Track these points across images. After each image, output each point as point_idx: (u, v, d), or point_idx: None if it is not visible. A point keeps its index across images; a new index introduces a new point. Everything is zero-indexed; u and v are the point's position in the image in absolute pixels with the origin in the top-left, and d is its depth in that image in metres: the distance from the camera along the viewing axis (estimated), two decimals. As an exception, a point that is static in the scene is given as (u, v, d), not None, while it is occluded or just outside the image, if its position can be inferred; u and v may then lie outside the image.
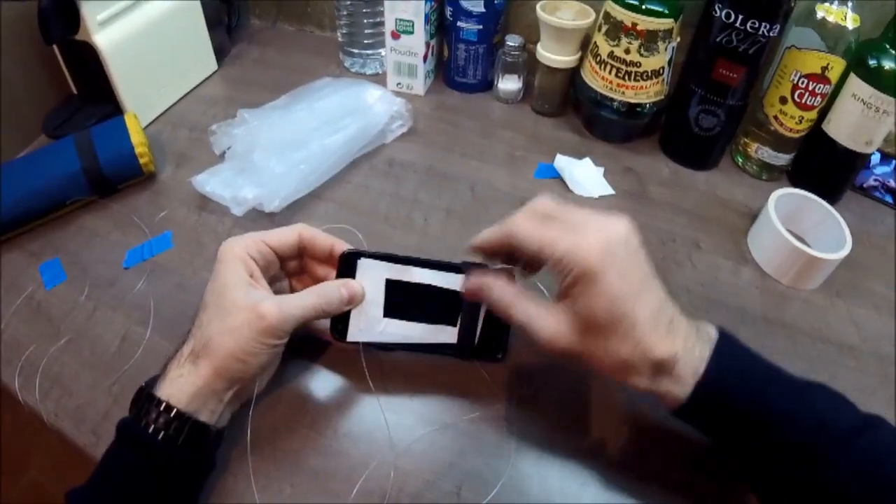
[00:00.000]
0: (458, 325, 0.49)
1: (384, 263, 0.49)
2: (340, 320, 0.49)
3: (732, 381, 0.39)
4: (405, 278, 0.49)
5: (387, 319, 0.49)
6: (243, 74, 0.92)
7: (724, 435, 0.41)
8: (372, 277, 0.49)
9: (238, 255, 0.45)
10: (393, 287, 0.49)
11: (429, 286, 0.49)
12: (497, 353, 0.50)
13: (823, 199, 0.65)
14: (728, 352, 0.40)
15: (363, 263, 0.49)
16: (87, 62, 0.72)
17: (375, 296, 0.49)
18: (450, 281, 0.48)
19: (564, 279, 0.39)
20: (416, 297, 0.49)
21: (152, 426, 0.40)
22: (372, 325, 0.49)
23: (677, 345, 0.39)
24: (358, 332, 0.49)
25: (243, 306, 0.43)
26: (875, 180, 0.76)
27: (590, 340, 0.39)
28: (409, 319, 0.49)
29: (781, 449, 0.38)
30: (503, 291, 0.43)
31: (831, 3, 0.64)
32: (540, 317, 0.41)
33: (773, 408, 0.38)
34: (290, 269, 0.52)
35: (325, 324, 0.49)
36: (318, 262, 0.51)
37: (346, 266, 0.49)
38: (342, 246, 0.49)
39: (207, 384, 0.42)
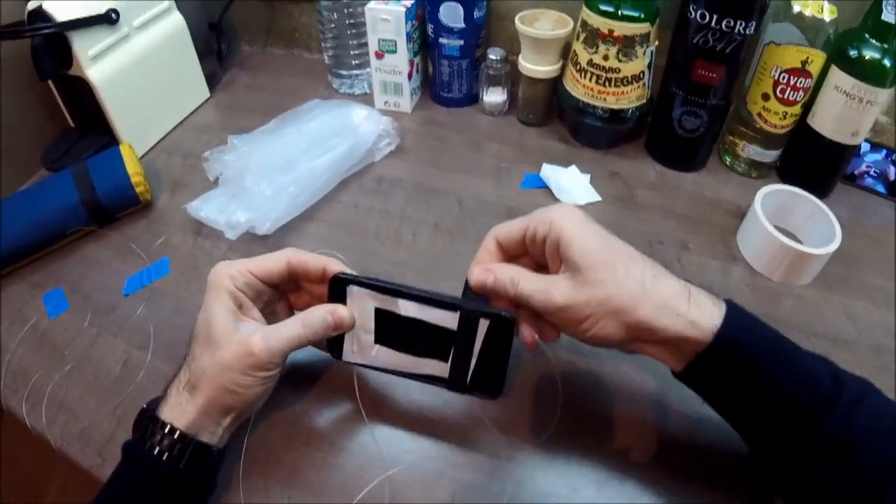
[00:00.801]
0: (449, 362, 0.48)
1: (373, 293, 0.47)
2: (336, 339, 0.49)
3: (748, 334, 0.39)
4: (394, 310, 0.48)
5: (378, 346, 0.49)
6: (235, 100, 0.94)
7: (737, 392, 0.40)
8: (361, 304, 0.48)
9: (225, 286, 0.45)
10: (382, 316, 0.48)
11: (418, 321, 0.47)
12: (492, 392, 0.48)
13: (814, 193, 0.66)
14: (738, 310, 0.40)
15: (353, 290, 0.48)
16: (82, 96, 0.75)
17: (366, 322, 0.48)
18: (441, 318, 0.46)
19: (549, 242, 0.43)
20: (405, 330, 0.48)
21: (157, 448, 0.41)
22: (364, 350, 0.49)
23: (680, 284, 0.40)
24: (352, 353, 0.49)
25: (232, 341, 0.43)
26: (867, 166, 0.75)
27: (594, 286, 0.40)
28: (399, 350, 0.49)
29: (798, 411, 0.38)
30: (510, 270, 0.44)
31: (807, -4, 0.64)
32: (550, 282, 0.42)
33: (796, 366, 0.39)
34: (287, 288, 0.52)
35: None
36: (314, 283, 0.51)
37: (337, 291, 0.48)
38: (334, 266, 0.48)
39: (204, 412, 0.43)
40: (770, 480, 0.44)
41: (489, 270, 0.44)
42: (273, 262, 0.48)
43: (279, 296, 0.52)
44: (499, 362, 0.47)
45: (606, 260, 0.41)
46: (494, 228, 0.47)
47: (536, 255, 0.46)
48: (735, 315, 0.39)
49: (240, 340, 0.43)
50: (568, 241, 0.41)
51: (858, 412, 0.37)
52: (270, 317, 0.49)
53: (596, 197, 0.73)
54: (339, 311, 0.47)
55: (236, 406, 0.44)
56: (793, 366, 0.39)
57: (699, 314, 0.39)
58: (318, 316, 0.46)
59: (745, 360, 0.39)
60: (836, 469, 0.37)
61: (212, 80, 0.94)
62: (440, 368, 0.48)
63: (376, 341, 0.49)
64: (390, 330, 0.48)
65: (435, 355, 0.48)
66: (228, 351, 0.43)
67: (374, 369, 0.50)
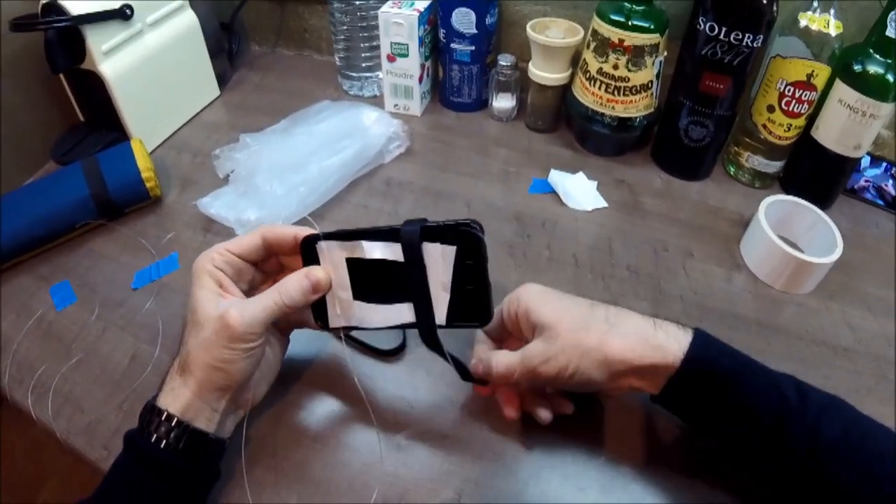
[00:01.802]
0: (430, 299, 0.45)
1: (340, 243, 0.46)
2: (319, 307, 0.48)
3: (716, 352, 0.42)
4: (360, 255, 0.46)
5: (357, 302, 0.47)
6: (244, 100, 0.95)
7: (709, 410, 0.43)
8: (333, 260, 0.46)
9: (205, 268, 0.46)
10: (354, 267, 0.46)
11: (387, 262, 0.45)
12: (480, 318, 0.45)
13: (816, 204, 0.66)
14: (705, 335, 0.43)
15: (323, 246, 0.46)
16: (93, 90, 0.75)
17: (341, 278, 0.47)
18: (398, 252, 0.44)
19: (520, 315, 0.47)
20: (377, 276, 0.46)
21: (155, 435, 0.42)
22: (346, 310, 0.48)
23: (644, 317, 0.44)
24: (336, 317, 0.48)
25: (211, 318, 0.43)
26: (866, 181, 0.77)
27: (564, 335, 0.44)
28: (378, 301, 0.47)
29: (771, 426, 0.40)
30: (485, 355, 0.48)
31: (814, 11, 0.65)
32: (525, 349, 0.45)
33: (762, 380, 0.41)
34: (270, 269, 0.52)
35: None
36: (292, 256, 0.50)
37: (308, 252, 0.47)
38: (304, 233, 0.48)
39: (196, 395, 0.43)
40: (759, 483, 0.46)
41: (479, 362, 0.48)
42: (248, 238, 0.48)
43: (264, 278, 0.52)
44: (481, 285, 0.43)
45: (569, 310, 0.45)
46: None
47: (515, 332, 0.49)
48: (702, 338, 0.43)
49: (217, 316, 0.43)
50: (534, 307, 0.46)
51: (826, 422, 0.39)
52: None
53: (603, 203, 0.74)
54: (314, 271, 0.47)
55: (227, 385, 0.44)
56: (758, 380, 0.42)
57: (666, 338, 0.42)
58: (294, 281, 0.46)
59: (712, 376, 0.41)
60: (810, 476, 0.39)
61: (222, 79, 0.95)
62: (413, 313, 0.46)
63: (355, 297, 0.47)
64: (365, 280, 0.46)
65: (407, 298, 0.45)
66: (208, 328, 0.43)
67: (361, 330, 0.49)
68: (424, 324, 0.45)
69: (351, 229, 0.46)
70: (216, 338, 0.43)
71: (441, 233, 0.43)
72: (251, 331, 0.44)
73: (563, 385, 0.45)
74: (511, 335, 0.51)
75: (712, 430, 0.45)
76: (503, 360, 0.46)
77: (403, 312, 0.46)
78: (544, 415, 0.47)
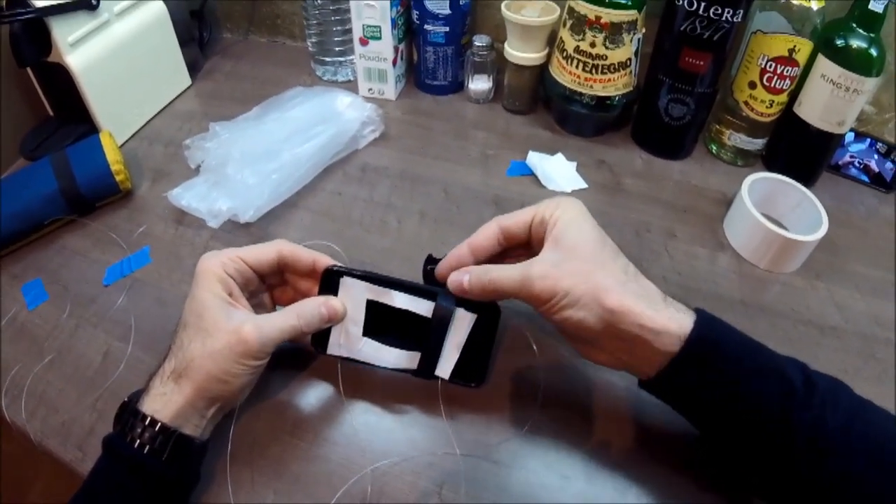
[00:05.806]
0: (441, 353, 0.49)
1: (366, 284, 0.48)
2: (321, 332, 0.49)
3: (721, 330, 0.41)
4: (386, 301, 0.48)
5: (366, 339, 0.49)
6: (217, 88, 0.93)
7: (708, 393, 0.40)
8: (353, 296, 0.49)
9: (216, 273, 0.45)
10: (374, 308, 0.49)
11: (408, 312, 0.48)
12: (477, 379, 0.50)
13: (799, 181, 0.66)
14: (709, 315, 0.42)
15: (345, 282, 0.48)
16: (61, 83, 0.73)
17: (356, 314, 0.49)
18: (429, 308, 0.48)
19: (545, 226, 0.44)
20: (395, 321, 0.48)
21: (138, 441, 0.40)
22: (352, 342, 0.49)
23: (657, 288, 0.42)
24: (338, 346, 0.50)
25: (224, 329, 0.43)
26: (850, 156, 0.76)
27: (580, 261, 0.42)
28: (387, 342, 0.49)
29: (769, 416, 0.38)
30: (480, 269, 0.45)
31: (795, -16, 0.63)
32: (528, 262, 0.43)
33: (768, 363, 0.40)
34: (271, 282, 0.52)
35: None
36: (301, 276, 0.51)
37: (329, 283, 0.49)
38: (324, 261, 0.49)
39: (190, 403, 0.42)
40: (747, 482, 0.44)
41: (465, 273, 0.46)
42: (264, 252, 0.49)
43: (264, 288, 0.52)
44: (485, 351, 0.49)
45: (595, 242, 0.43)
46: (498, 217, 0.48)
47: (535, 243, 0.46)
48: (706, 318, 0.41)
49: (232, 328, 0.43)
50: (566, 222, 0.43)
51: (832, 410, 0.38)
52: (256, 309, 0.48)
53: (582, 184, 0.73)
54: (332, 302, 0.48)
55: (223, 396, 0.44)
56: (764, 364, 0.40)
57: (675, 313, 0.40)
58: (313, 307, 0.47)
59: (716, 358, 0.40)
60: (813, 467, 0.37)
61: (193, 68, 0.93)
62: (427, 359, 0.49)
63: (365, 333, 0.49)
64: (380, 322, 0.49)
65: (422, 347, 0.49)
66: (220, 339, 0.42)
67: (357, 363, 0.50)
68: (427, 374, 0.49)
69: (380, 275, 0.49)
70: (228, 351, 0.42)
71: (468, 301, 0.47)
72: (265, 349, 0.44)
73: (550, 315, 0.42)
74: (521, 245, 0.48)
75: (709, 418, 0.42)
76: (505, 270, 0.43)
77: (409, 358, 0.49)
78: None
